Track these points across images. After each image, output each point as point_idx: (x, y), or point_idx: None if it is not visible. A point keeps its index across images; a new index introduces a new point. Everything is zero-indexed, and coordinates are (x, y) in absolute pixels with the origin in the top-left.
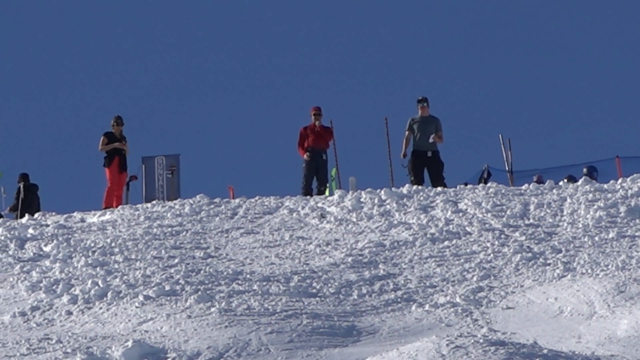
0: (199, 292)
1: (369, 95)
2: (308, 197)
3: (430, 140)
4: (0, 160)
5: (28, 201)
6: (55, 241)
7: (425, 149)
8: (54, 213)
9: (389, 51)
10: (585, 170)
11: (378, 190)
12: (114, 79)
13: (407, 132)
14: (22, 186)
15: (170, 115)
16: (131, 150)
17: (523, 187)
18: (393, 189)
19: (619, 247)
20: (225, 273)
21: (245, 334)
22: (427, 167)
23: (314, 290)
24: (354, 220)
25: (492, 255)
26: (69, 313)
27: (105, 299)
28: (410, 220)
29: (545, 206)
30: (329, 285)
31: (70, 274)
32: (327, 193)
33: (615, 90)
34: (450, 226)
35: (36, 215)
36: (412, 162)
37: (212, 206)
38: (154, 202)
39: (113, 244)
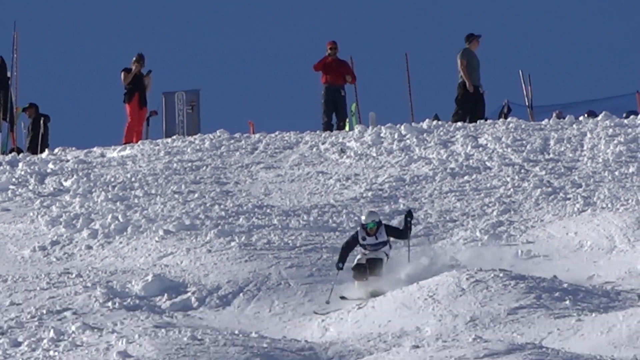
0: (219, 227)
1: (390, 30)
2: (328, 132)
3: (482, 90)
4: (19, 95)
5: (45, 134)
6: (75, 176)
7: (478, 84)
8: (74, 148)
9: None
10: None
11: (398, 125)
12: (134, 14)
13: (464, 61)
14: (42, 120)
15: (190, 50)
16: (151, 87)
17: (543, 122)
18: (413, 124)
19: (639, 181)
20: (245, 208)
21: (265, 268)
22: (476, 103)
23: (334, 225)
24: (374, 155)
25: (512, 189)
26: (89, 247)
27: (125, 233)
28: (430, 155)
29: (565, 141)
30: (349, 219)
31: (90, 209)
32: (347, 128)
33: (638, 24)
34: (470, 161)
35: (56, 150)
36: (463, 94)
37: (232, 141)
38: (174, 137)
39: (133, 179)
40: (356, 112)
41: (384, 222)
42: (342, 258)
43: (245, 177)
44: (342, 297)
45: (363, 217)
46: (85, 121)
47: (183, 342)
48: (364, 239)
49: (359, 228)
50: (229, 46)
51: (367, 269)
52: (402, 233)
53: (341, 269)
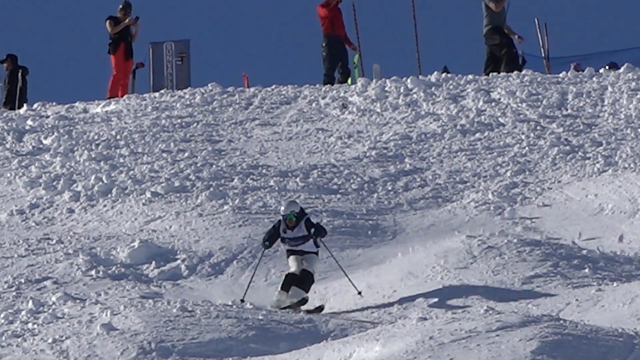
0: (211, 189)
1: None
2: (329, 85)
3: (516, 39)
4: None
5: (23, 88)
6: (56, 133)
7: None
8: (54, 103)
9: None
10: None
11: (404, 79)
12: None
13: (493, 4)
14: (20, 73)
15: None
16: (138, 36)
17: (560, 75)
18: (420, 77)
19: None
20: (239, 168)
21: (260, 233)
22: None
23: (335, 187)
24: (378, 110)
25: (527, 148)
26: (71, 211)
27: (109, 195)
28: (438, 110)
29: (584, 95)
30: (351, 181)
31: (72, 169)
32: (349, 82)
33: None
34: (482, 117)
35: (36, 105)
36: (502, 36)
37: (225, 95)
38: (162, 91)
39: (118, 137)
40: (359, 64)
41: (308, 214)
42: (270, 241)
43: (239, 135)
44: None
45: (282, 208)
46: (66, 74)
47: (172, 314)
48: (284, 231)
49: (280, 219)
50: None
51: (297, 281)
52: (317, 232)
53: (268, 247)
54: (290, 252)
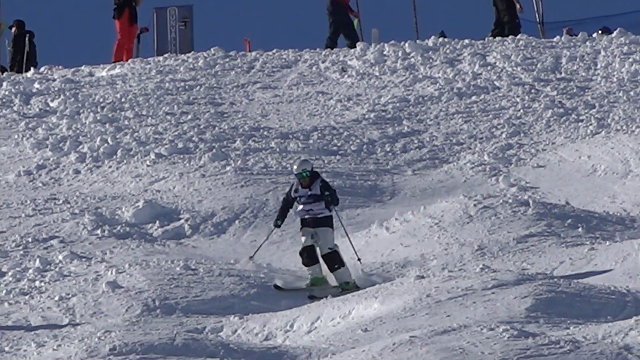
0: (214, 150)
1: None
2: (329, 49)
3: (518, 9)
4: (3, 10)
5: (31, 52)
6: (62, 96)
7: None
8: (60, 66)
9: None
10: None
11: (402, 43)
12: None
13: None
14: (27, 37)
15: None
16: (143, 1)
17: (555, 39)
18: (418, 41)
19: None
20: (241, 130)
21: (262, 193)
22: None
23: (335, 148)
24: (377, 74)
25: (522, 110)
26: (77, 172)
27: (114, 157)
28: (436, 74)
29: (578, 59)
30: (351, 142)
31: (78, 131)
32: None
33: None
34: (478, 80)
35: (42, 68)
36: (509, 3)
37: (227, 59)
38: (166, 55)
39: (123, 99)
40: (358, 29)
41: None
42: (282, 215)
43: (241, 98)
44: (277, 287)
45: (295, 167)
46: (72, 38)
47: (176, 272)
48: (296, 190)
49: (292, 184)
50: None
51: (331, 264)
52: (331, 197)
53: (279, 226)
54: (303, 223)
